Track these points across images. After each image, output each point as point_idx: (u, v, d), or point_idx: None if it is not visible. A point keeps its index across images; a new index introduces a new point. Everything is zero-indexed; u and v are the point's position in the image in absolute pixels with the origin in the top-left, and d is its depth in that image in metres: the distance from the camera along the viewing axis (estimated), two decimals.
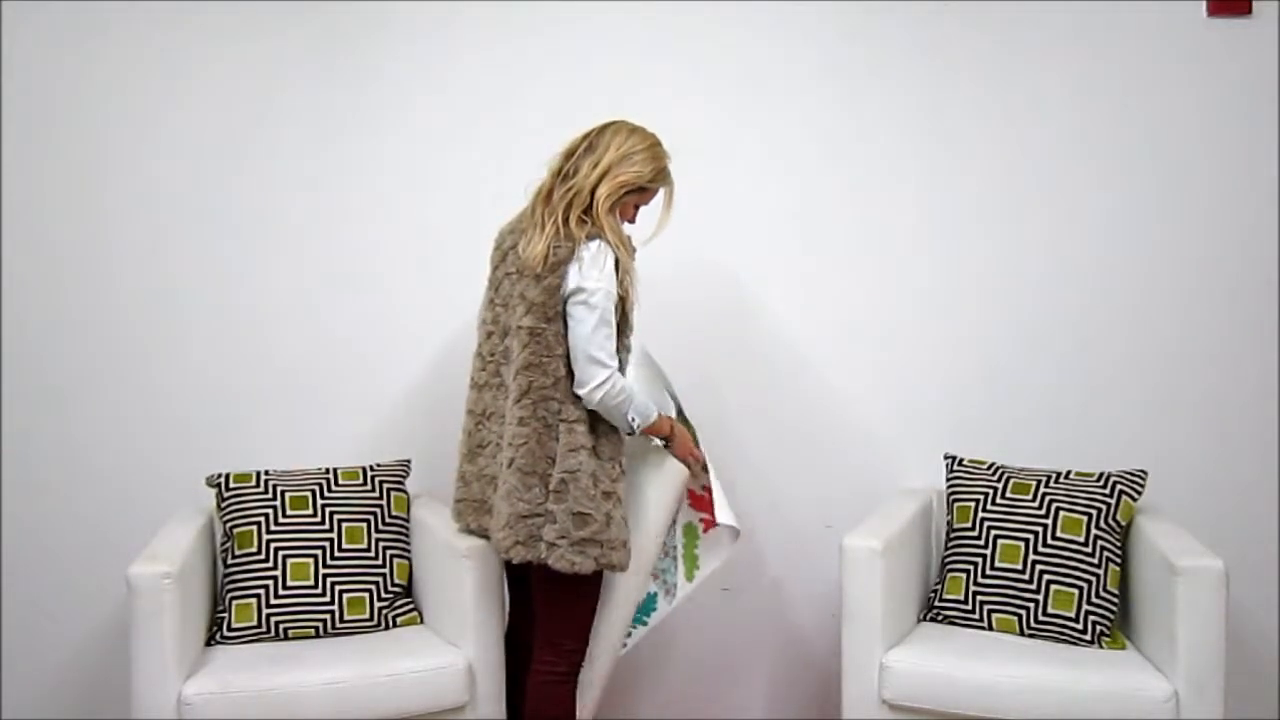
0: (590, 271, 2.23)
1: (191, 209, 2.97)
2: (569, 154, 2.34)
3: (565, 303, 2.25)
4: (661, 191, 2.41)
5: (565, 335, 2.26)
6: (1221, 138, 2.92)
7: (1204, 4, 2.90)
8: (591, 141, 2.33)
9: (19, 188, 2.91)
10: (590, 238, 2.25)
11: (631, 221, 2.41)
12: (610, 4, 2.99)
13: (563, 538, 2.23)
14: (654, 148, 2.36)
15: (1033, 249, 2.99)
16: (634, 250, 2.35)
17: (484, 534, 2.44)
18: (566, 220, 2.26)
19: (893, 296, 3.02)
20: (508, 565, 2.51)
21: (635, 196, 2.37)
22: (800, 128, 3.01)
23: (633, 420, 2.31)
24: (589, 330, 2.23)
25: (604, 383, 2.23)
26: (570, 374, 2.27)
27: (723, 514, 2.55)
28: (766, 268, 3.04)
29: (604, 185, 2.29)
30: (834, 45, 3.00)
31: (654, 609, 2.67)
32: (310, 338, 3.01)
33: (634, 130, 2.35)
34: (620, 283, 2.28)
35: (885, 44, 2.99)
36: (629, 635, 2.58)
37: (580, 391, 2.25)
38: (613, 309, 2.26)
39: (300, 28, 2.97)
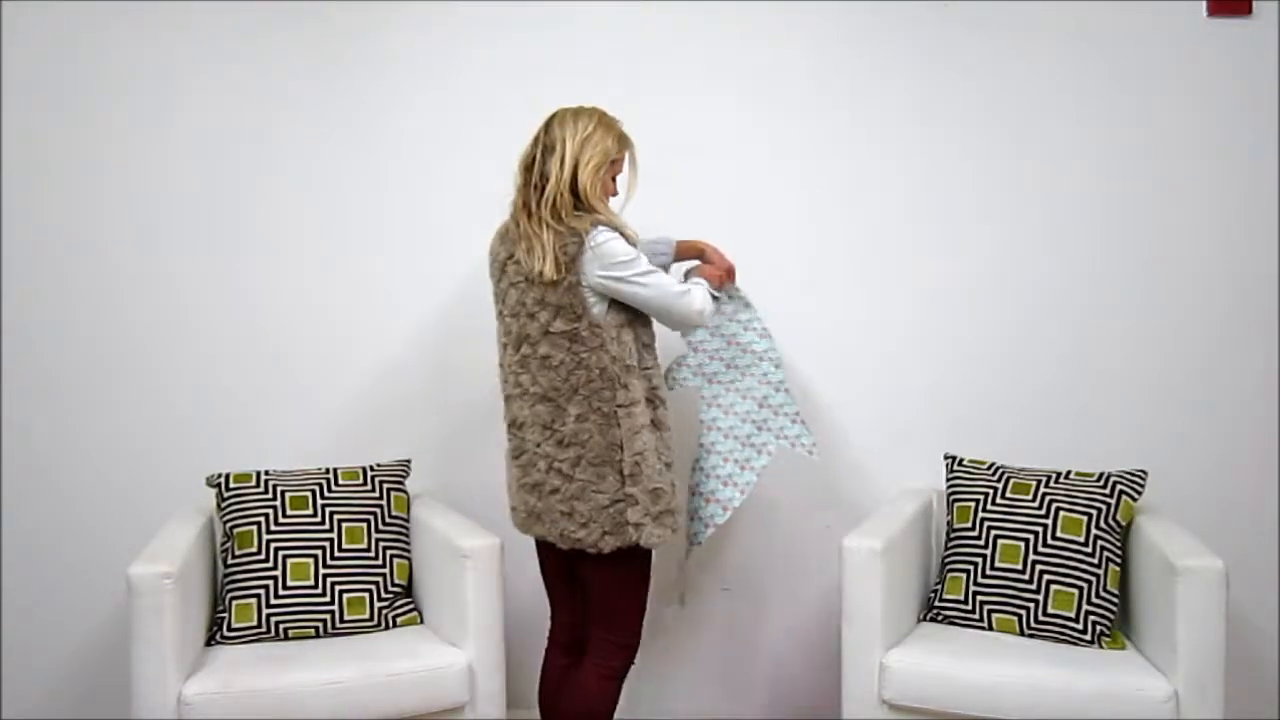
0: (608, 252, 2.23)
1: (191, 209, 2.97)
2: (528, 166, 2.33)
3: (606, 286, 2.25)
4: (626, 155, 2.39)
5: (600, 327, 2.25)
6: (1221, 137, 2.92)
7: (1204, 4, 2.90)
8: (544, 144, 2.31)
9: (19, 187, 2.91)
10: (595, 225, 2.24)
11: (615, 194, 2.41)
12: (612, 4, 2.99)
13: (646, 515, 2.28)
14: (603, 119, 2.34)
15: (1032, 249, 2.98)
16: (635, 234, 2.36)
17: (542, 539, 2.42)
18: (561, 220, 2.24)
19: (893, 296, 3.02)
20: (552, 565, 2.49)
21: (609, 170, 2.36)
22: (799, 128, 3.01)
23: (715, 294, 2.49)
24: (655, 291, 2.29)
25: (699, 307, 2.36)
26: (614, 358, 2.26)
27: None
28: (766, 267, 3.02)
29: (583, 175, 2.27)
30: (834, 45, 3.00)
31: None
32: (310, 338, 3.01)
33: (577, 113, 2.33)
34: None
35: (885, 45, 2.99)
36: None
37: (694, 331, 2.58)
38: (645, 259, 2.30)
39: (300, 27, 2.97)
